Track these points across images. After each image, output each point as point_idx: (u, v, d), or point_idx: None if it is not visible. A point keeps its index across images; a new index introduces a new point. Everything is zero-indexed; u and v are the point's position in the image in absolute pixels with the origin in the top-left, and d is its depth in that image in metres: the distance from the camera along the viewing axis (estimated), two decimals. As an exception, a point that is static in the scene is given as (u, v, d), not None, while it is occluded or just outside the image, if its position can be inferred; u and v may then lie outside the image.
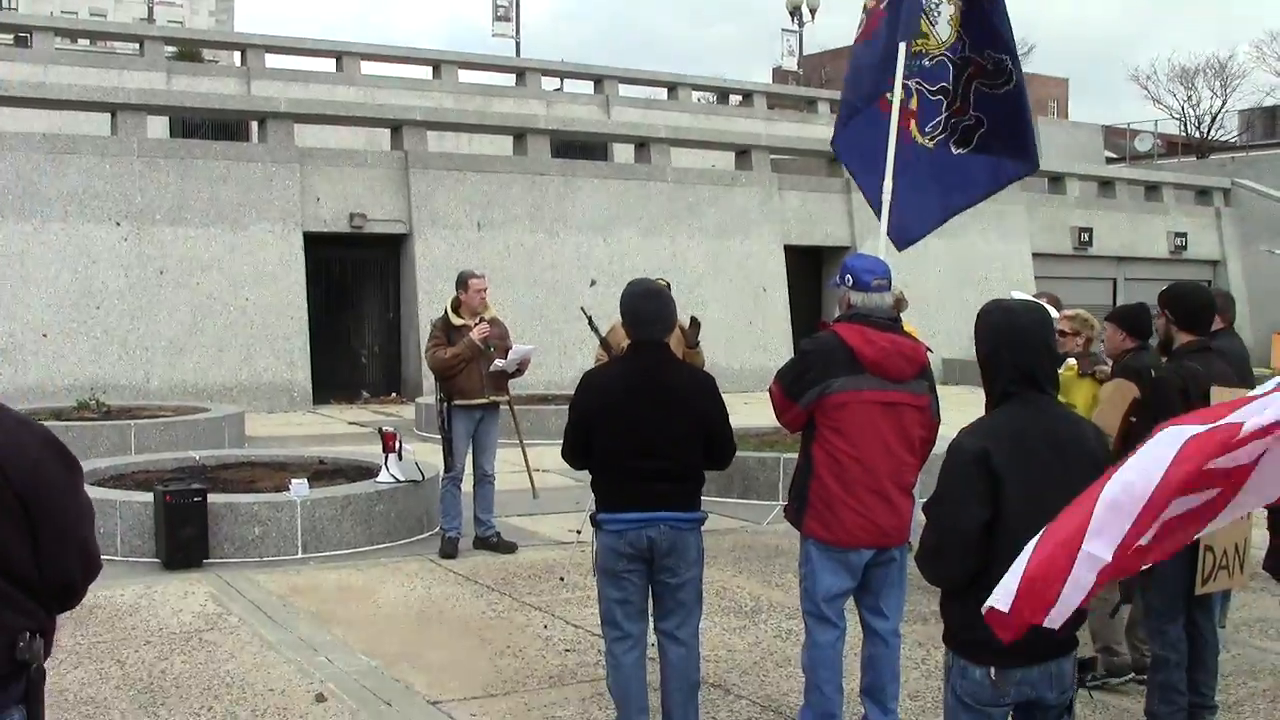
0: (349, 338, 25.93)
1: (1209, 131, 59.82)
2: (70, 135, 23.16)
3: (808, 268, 30.23)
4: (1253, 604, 8.86)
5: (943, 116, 9.91)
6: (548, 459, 7.27)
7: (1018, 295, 8.56)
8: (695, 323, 11.09)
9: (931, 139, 9.93)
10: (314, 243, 24.32)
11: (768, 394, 6.28)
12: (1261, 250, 38.09)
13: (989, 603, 3.51)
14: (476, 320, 10.72)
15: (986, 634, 4.26)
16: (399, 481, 11.46)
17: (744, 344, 27.89)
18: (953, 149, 9.95)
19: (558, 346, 24.61)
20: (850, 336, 5.95)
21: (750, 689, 7.28)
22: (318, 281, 24.74)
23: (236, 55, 39.65)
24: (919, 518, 4.97)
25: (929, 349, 6.50)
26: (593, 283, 24.50)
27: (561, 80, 44.13)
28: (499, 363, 10.72)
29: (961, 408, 4.49)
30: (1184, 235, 37.94)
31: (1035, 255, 34.11)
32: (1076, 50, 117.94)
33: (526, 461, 11.27)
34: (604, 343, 10.10)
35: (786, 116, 44.34)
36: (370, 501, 11.20)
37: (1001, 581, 3.49)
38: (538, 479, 11.50)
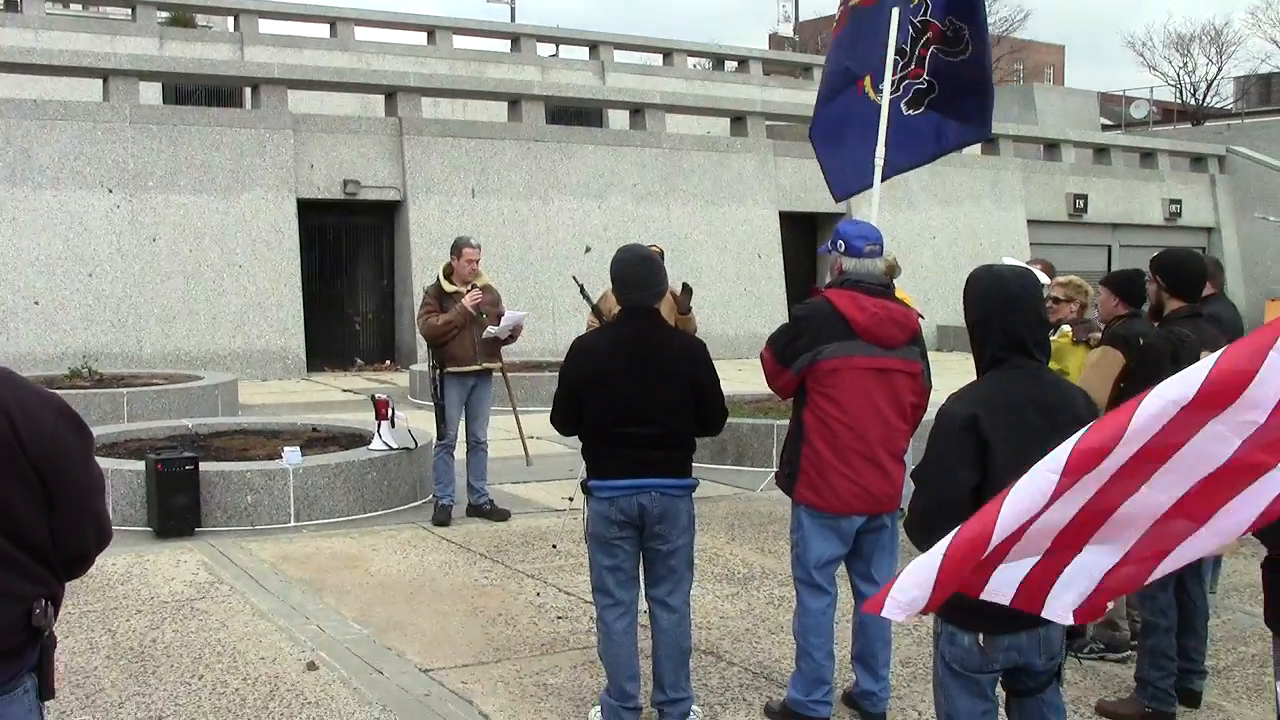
0: (343, 305, 25.90)
1: (1204, 98, 59.73)
2: (62, 101, 23.05)
3: (803, 234, 30.20)
4: (1243, 570, 8.86)
5: (896, 76, 9.99)
6: (541, 426, 7.25)
7: (1009, 261, 8.54)
8: (687, 289, 11.09)
9: (883, 97, 10.04)
10: (308, 209, 24.28)
11: (759, 360, 6.27)
12: (1255, 217, 38.09)
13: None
14: (469, 288, 10.68)
15: (975, 600, 4.27)
16: (392, 449, 11.44)
17: (739, 310, 27.89)
18: (903, 109, 10.05)
19: (552, 313, 24.60)
20: (842, 302, 5.94)
21: (742, 656, 7.28)
22: (311, 248, 24.72)
23: (230, 21, 39.38)
24: (910, 484, 4.96)
25: (921, 315, 6.49)
26: (587, 249, 24.48)
27: (557, 46, 43.93)
28: (491, 329, 10.68)
29: (956, 374, 4.47)
30: (1179, 202, 37.91)
31: (1030, 222, 34.11)
32: (1072, 17, 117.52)
33: (520, 428, 11.25)
34: (595, 310, 10.06)
35: (782, 82, 44.21)
36: (363, 469, 11.18)
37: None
38: (531, 446, 11.48)
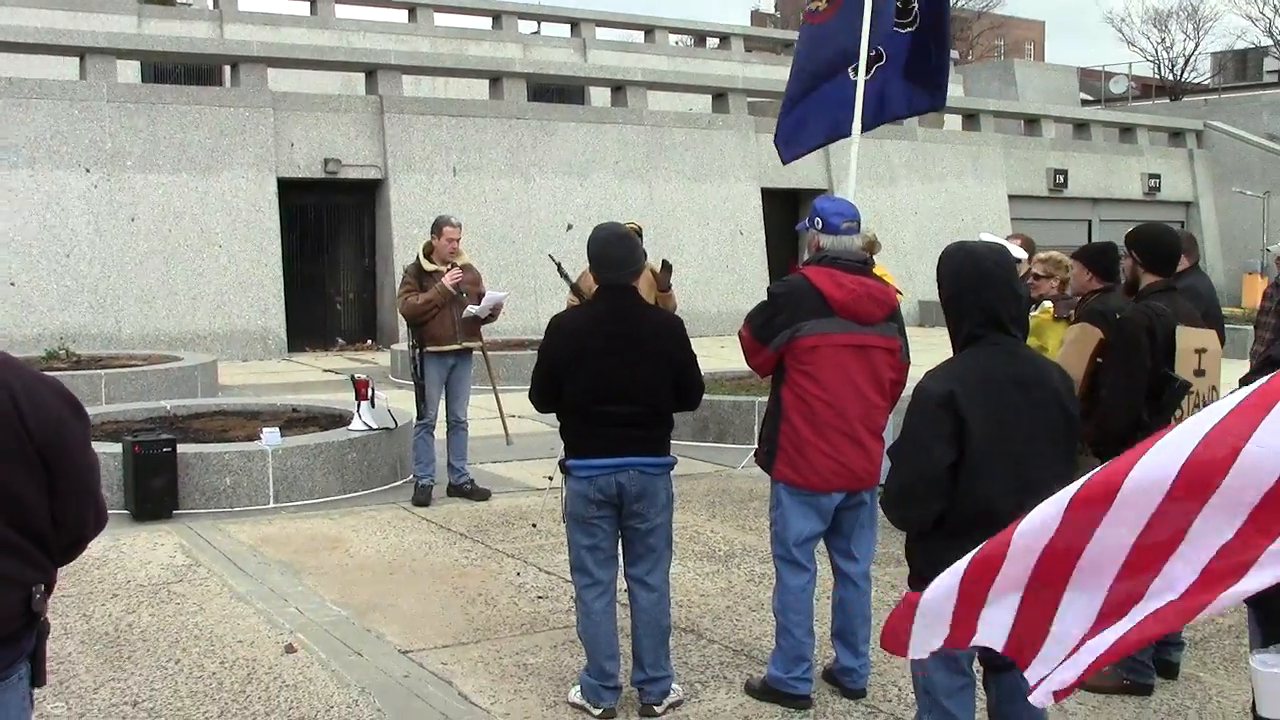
0: (324, 284, 25.77)
1: (1182, 74, 59.79)
2: (38, 80, 22.81)
3: (785, 210, 30.13)
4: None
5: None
6: (522, 404, 7.21)
7: (986, 237, 8.52)
8: (667, 266, 11.05)
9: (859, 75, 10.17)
10: (288, 188, 24.13)
11: (738, 338, 6.25)
12: (1233, 191, 38.16)
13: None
14: (449, 267, 10.63)
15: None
16: (372, 429, 11.40)
17: (721, 287, 27.86)
18: (850, 75, 10.10)
19: (534, 291, 24.53)
20: (819, 280, 5.91)
21: (722, 633, 7.27)
22: (292, 227, 24.58)
23: (208, -1, 39.20)
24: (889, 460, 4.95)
25: (899, 292, 6.47)
26: (569, 227, 24.39)
27: (538, 24, 43.74)
28: (471, 308, 10.64)
29: (939, 349, 4.45)
30: (1157, 177, 37.98)
31: (1011, 197, 34.15)
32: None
33: (500, 408, 11.22)
34: (574, 288, 10.01)
35: (764, 59, 44.06)
36: (343, 450, 11.14)
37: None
38: (511, 425, 11.45)
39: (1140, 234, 6.52)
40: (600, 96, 31.87)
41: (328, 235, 25.75)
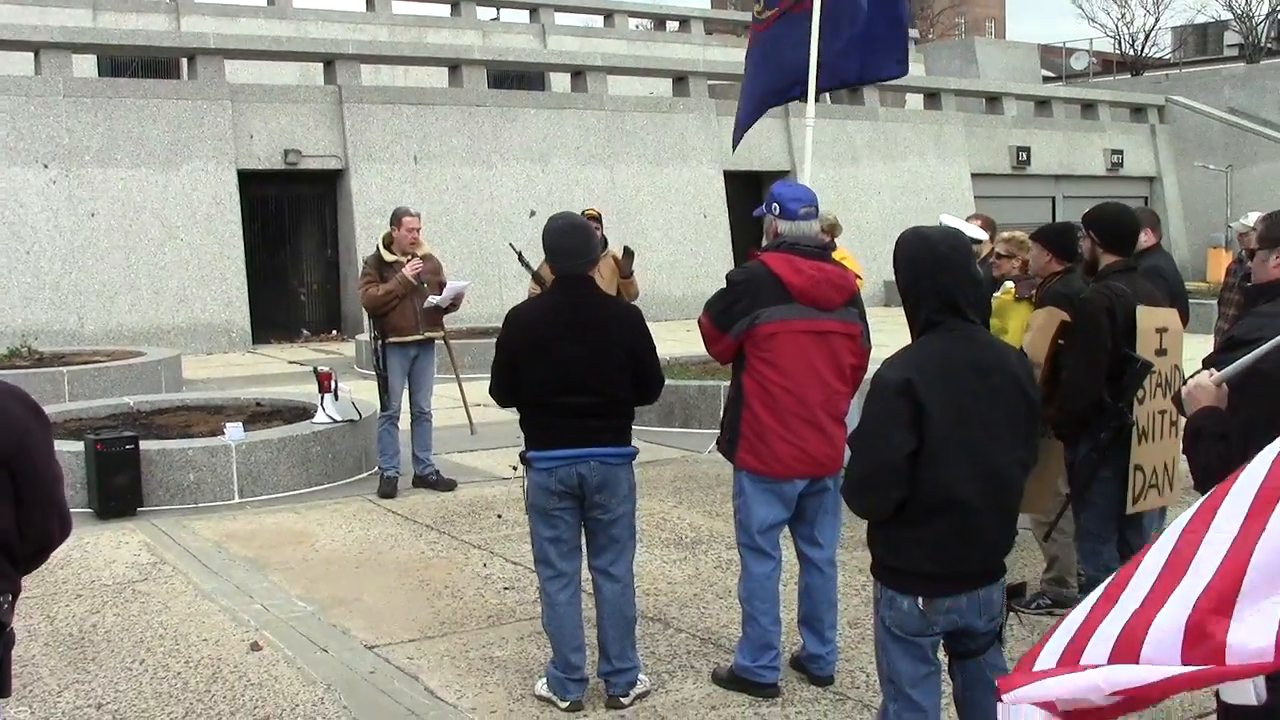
0: (287, 276, 25.71)
1: (1143, 49, 59.95)
2: (-9, 76, 22.69)
3: (748, 193, 30.08)
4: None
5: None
6: (485, 393, 7.17)
7: (946, 219, 8.53)
8: (629, 253, 11.04)
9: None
10: (249, 181, 24.03)
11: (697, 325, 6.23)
12: (1195, 165, 38.34)
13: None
14: (408, 257, 10.58)
15: (913, 564, 4.26)
16: (336, 422, 11.35)
17: (685, 271, 27.85)
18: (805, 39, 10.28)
19: (498, 279, 24.46)
20: (778, 266, 5.89)
21: (690, 621, 7.26)
22: (254, 220, 24.49)
23: (165, -10, 38.89)
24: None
25: (859, 277, 6.45)
26: (532, 213, 24.34)
27: (497, 10, 43.61)
28: (433, 299, 10.60)
29: (904, 330, 4.43)
30: (1120, 153, 38.13)
31: (974, 175, 34.22)
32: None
33: (464, 397, 11.18)
34: (536, 276, 10.03)
35: (724, 41, 44.04)
36: (307, 443, 11.09)
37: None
38: (475, 414, 11.42)
39: (1097, 214, 6.51)
40: (560, 82, 31.80)
41: (290, 226, 25.66)
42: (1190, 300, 8.57)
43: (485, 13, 42.20)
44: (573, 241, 5.97)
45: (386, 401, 10.67)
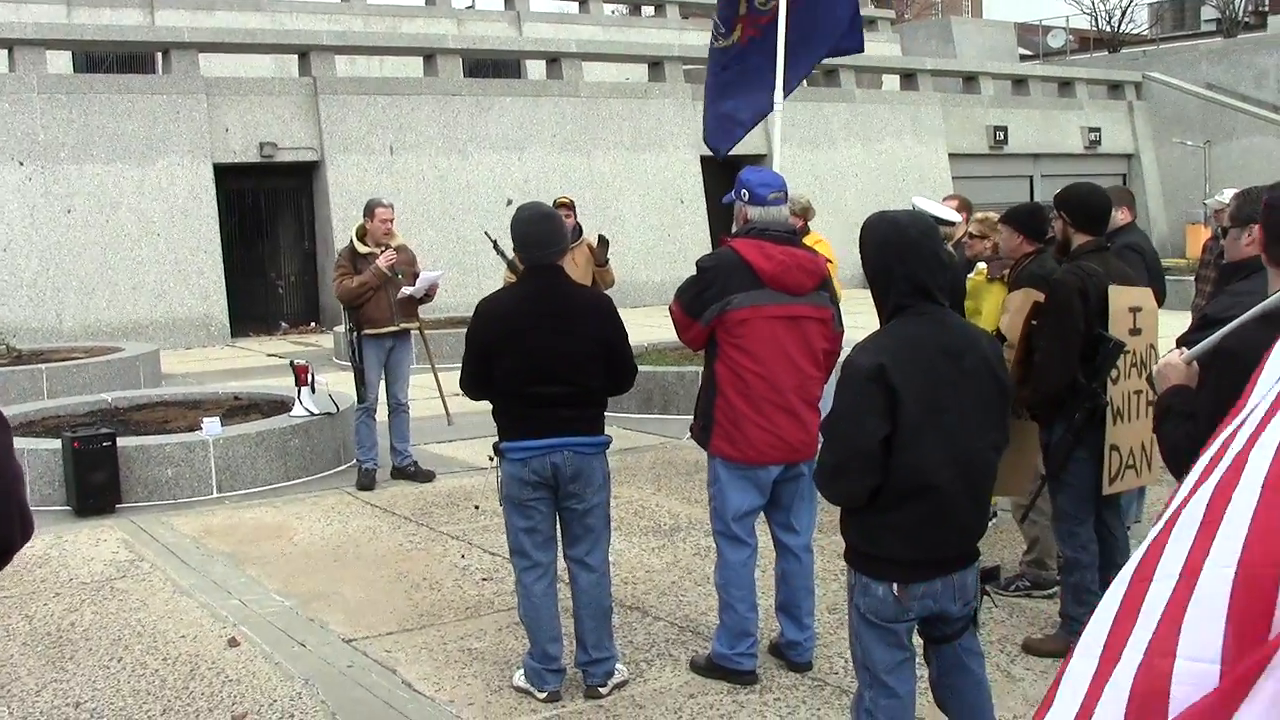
0: (265, 268, 25.61)
1: (1119, 26, 59.94)
2: (-36, 74, 22.56)
3: (725, 178, 29.87)
4: (1163, 500, 8.93)
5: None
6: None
7: (919, 201, 8.52)
8: (604, 241, 11.02)
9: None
10: (225, 174, 23.93)
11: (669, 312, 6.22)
12: (1173, 142, 38.39)
13: None
14: (382, 249, 10.54)
15: (887, 550, 4.26)
16: (313, 415, 11.32)
17: (663, 256, 27.81)
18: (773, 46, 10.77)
19: (475, 268, 24.42)
20: (748, 252, 5.88)
21: (668, 610, 7.25)
22: (230, 213, 24.39)
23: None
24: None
25: (830, 261, 6.44)
26: (509, 202, 24.24)
27: (472, -2, 43.48)
28: (407, 289, 10.57)
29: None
30: (1098, 130, 38.13)
31: (951, 155, 34.18)
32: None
33: (440, 387, 11.14)
34: (511, 265, 9.98)
35: (700, 26, 43.84)
36: (284, 436, 11.05)
37: None
38: (452, 404, 11.37)
39: (1069, 194, 6.51)
40: (536, 69, 31.71)
41: (267, 219, 25.58)
42: (1169, 277, 8.58)
43: (460, 1, 42.03)
44: (542, 231, 5.95)
45: (363, 394, 10.65)
